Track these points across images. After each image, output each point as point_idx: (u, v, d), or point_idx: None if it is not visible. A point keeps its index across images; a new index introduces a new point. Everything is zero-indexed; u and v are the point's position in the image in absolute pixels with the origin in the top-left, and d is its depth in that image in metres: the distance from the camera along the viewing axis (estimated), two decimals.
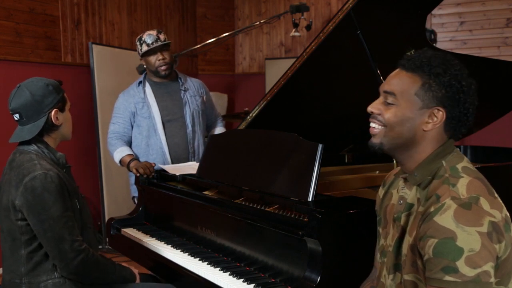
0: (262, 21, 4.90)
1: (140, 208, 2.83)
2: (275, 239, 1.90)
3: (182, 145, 3.26)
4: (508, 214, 1.30)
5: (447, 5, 5.20)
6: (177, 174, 2.75)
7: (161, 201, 2.71)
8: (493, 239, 1.22)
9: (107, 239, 3.06)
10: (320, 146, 1.96)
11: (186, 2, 6.10)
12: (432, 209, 1.28)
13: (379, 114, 1.42)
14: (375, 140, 1.44)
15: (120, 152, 3.12)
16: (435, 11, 5.13)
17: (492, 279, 1.22)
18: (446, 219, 1.24)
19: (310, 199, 1.91)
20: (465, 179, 1.31)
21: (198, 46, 4.87)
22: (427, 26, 4.78)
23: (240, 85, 6.53)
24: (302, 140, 2.07)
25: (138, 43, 3.19)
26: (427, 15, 2.79)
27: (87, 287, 2.04)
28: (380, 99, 1.44)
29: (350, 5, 2.43)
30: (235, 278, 1.92)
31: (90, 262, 1.97)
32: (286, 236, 1.84)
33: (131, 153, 3.13)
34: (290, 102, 2.67)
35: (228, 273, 1.97)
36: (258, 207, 2.09)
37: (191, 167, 2.85)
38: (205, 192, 2.46)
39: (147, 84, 3.27)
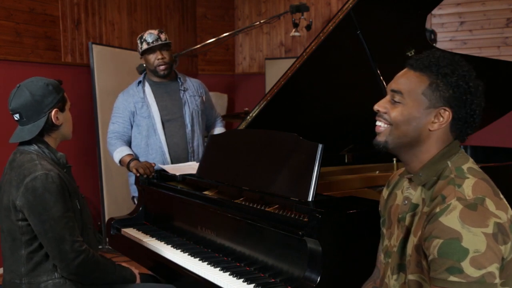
0: (262, 21, 4.90)
1: (140, 208, 2.83)
2: (275, 239, 1.90)
3: (181, 145, 3.26)
4: None
5: (447, 5, 5.20)
6: (177, 174, 2.75)
7: (161, 201, 2.71)
8: (498, 240, 1.22)
9: (107, 239, 3.05)
10: (320, 146, 1.96)
11: (186, 2, 6.10)
12: (437, 209, 1.28)
13: (385, 113, 1.42)
14: (380, 139, 1.43)
15: (120, 152, 3.12)
16: (435, 11, 5.13)
17: (497, 280, 1.22)
18: (451, 219, 1.24)
19: (310, 199, 1.91)
20: (470, 180, 1.31)
21: (198, 46, 4.88)
22: (427, 26, 4.77)
23: (240, 85, 6.53)
24: (302, 140, 2.07)
25: (139, 41, 3.20)
26: (427, 15, 2.78)
27: (87, 287, 2.04)
28: (387, 97, 1.44)
29: (350, 5, 2.43)
30: (235, 278, 1.92)
31: (90, 263, 1.97)
32: (286, 236, 1.84)
33: (131, 153, 3.13)
34: (290, 102, 2.67)
35: (228, 273, 1.97)
36: (258, 207, 2.09)
37: (191, 167, 2.85)
38: (205, 192, 2.46)
39: (147, 84, 3.27)
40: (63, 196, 1.92)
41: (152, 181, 2.80)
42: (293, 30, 4.92)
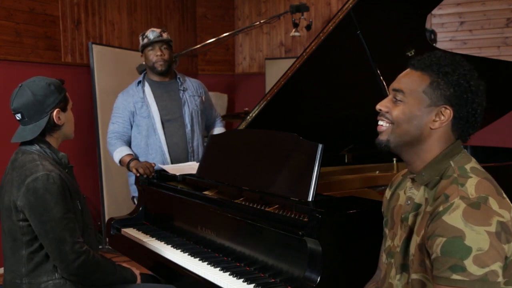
0: (262, 21, 4.91)
1: (140, 208, 2.83)
2: (275, 239, 1.90)
3: (181, 145, 3.26)
4: None
5: (447, 5, 5.20)
6: (177, 174, 2.75)
7: (161, 201, 2.71)
8: (501, 239, 1.23)
9: (107, 239, 3.06)
10: (320, 146, 1.96)
11: (186, 2, 6.10)
12: (440, 208, 1.28)
13: (387, 112, 1.43)
14: (382, 137, 1.44)
15: (119, 152, 3.12)
16: (435, 11, 5.13)
17: (500, 279, 1.22)
18: (454, 218, 1.24)
19: (310, 199, 1.91)
20: (473, 179, 1.32)
21: (198, 46, 4.88)
22: (427, 26, 4.77)
23: (240, 85, 6.53)
24: (302, 140, 2.07)
25: (140, 38, 3.24)
26: (427, 15, 2.79)
27: None
28: (389, 97, 1.45)
29: (350, 5, 2.43)
30: (235, 278, 1.92)
31: (90, 264, 1.97)
32: (286, 236, 1.84)
33: (131, 152, 3.13)
34: (290, 102, 2.67)
35: (228, 273, 1.97)
36: (258, 207, 2.09)
37: (191, 167, 2.85)
38: (205, 192, 2.46)
39: (146, 84, 3.27)
40: (64, 197, 1.92)
41: (152, 181, 2.80)
42: (293, 30, 4.92)
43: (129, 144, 3.24)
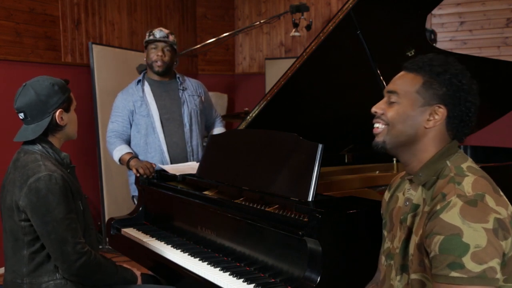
0: (262, 21, 4.91)
1: (140, 208, 2.83)
2: (275, 239, 1.90)
3: (180, 144, 3.26)
4: None
5: (447, 5, 5.20)
6: (177, 174, 2.75)
7: (161, 201, 2.71)
8: (499, 235, 1.23)
9: (107, 239, 3.05)
10: (320, 146, 1.96)
11: (186, 2, 6.10)
12: (438, 207, 1.30)
13: (382, 114, 1.45)
14: (378, 139, 1.47)
15: (119, 151, 3.12)
16: (435, 11, 5.13)
17: (498, 275, 1.23)
18: (452, 216, 1.25)
19: (310, 199, 1.91)
20: (470, 178, 1.33)
21: (198, 46, 4.89)
22: (427, 26, 4.78)
23: (240, 85, 6.53)
24: (302, 140, 2.07)
25: (147, 34, 3.25)
26: (427, 15, 2.79)
27: None
28: (384, 99, 1.48)
29: (350, 5, 2.43)
30: (235, 278, 1.92)
31: (92, 265, 1.97)
32: (286, 236, 1.84)
33: (130, 151, 3.13)
34: (290, 102, 2.68)
35: (228, 273, 1.97)
36: (258, 207, 2.09)
37: (191, 167, 2.85)
38: (205, 192, 2.46)
39: (146, 83, 3.28)
40: (66, 197, 1.92)
41: (152, 181, 2.80)
42: (293, 30, 4.93)
43: (128, 143, 3.24)
